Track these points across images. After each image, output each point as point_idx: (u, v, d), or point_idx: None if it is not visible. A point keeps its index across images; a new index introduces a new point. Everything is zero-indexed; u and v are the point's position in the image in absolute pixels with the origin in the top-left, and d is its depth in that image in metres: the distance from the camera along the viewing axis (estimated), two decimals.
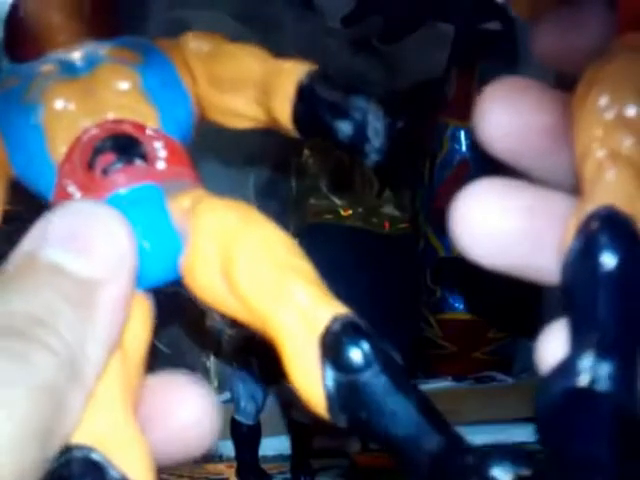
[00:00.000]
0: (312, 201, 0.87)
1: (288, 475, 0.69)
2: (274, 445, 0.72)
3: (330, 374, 0.20)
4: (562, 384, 0.18)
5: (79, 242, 0.18)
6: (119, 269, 0.19)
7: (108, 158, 0.23)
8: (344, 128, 0.25)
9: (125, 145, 0.23)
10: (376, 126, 0.25)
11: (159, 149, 0.23)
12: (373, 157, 0.25)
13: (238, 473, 0.69)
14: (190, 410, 0.21)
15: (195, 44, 0.27)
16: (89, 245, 0.18)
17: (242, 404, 0.66)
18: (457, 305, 0.84)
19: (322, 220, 0.86)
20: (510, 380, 0.80)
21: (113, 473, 0.19)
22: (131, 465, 0.20)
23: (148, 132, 0.24)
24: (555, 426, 0.18)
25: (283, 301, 0.21)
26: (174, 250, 0.22)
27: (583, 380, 0.18)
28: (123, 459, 0.19)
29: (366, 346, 0.20)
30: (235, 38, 0.27)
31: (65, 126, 0.24)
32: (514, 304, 0.71)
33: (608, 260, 0.18)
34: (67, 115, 0.24)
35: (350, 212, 0.87)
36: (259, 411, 0.67)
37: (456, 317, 0.84)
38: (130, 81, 0.25)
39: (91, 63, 0.25)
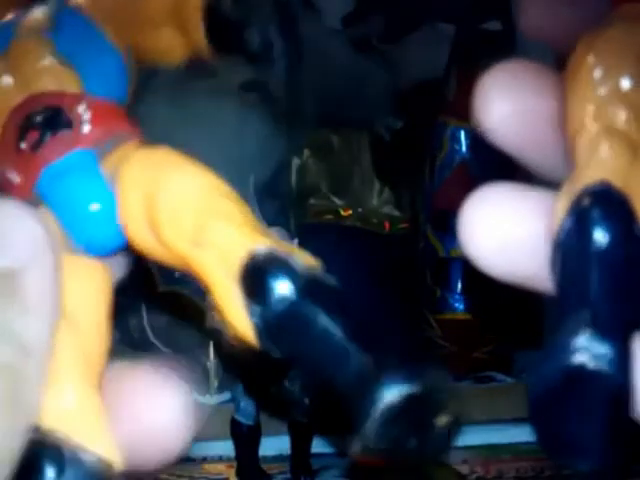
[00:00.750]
0: (312, 201, 0.87)
1: (288, 475, 0.69)
2: (274, 445, 0.72)
3: (255, 309, 0.20)
4: (557, 362, 0.18)
5: None
6: (36, 254, 0.20)
7: (34, 135, 0.23)
8: (251, 39, 0.25)
9: (48, 118, 0.23)
10: (279, 49, 0.25)
11: (83, 112, 0.23)
12: (281, 67, 0.25)
13: (238, 473, 0.69)
14: (161, 409, 0.20)
15: None
16: (2, 242, 0.19)
17: (242, 404, 0.66)
18: (457, 305, 0.84)
19: (322, 220, 0.86)
20: (510, 380, 0.80)
21: (83, 456, 0.19)
22: (95, 441, 0.19)
23: (69, 98, 0.24)
24: (548, 404, 0.18)
25: (202, 242, 0.21)
26: (114, 211, 0.22)
27: (578, 358, 0.17)
28: (87, 436, 0.19)
29: (285, 278, 0.20)
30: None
31: None
32: (515, 311, 0.71)
33: (601, 236, 0.18)
34: None
35: (350, 212, 0.87)
36: (259, 411, 0.67)
37: (456, 317, 0.84)
38: (43, 50, 0.25)
39: (5, 40, 0.25)
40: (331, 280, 0.21)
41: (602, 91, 0.19)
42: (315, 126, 0.86)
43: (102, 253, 0.22)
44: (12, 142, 0.23)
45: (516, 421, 0.72)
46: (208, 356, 0.77)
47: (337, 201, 0.87)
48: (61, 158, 0.23)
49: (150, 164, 0.22)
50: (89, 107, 0.24)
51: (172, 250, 0.21)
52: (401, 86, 0.89)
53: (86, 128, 0.23)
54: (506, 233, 0.20)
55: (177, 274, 0.88)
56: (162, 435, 0.20)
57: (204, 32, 0.26)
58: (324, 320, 0.20)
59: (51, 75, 0.24)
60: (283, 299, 0.20)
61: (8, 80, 0.24)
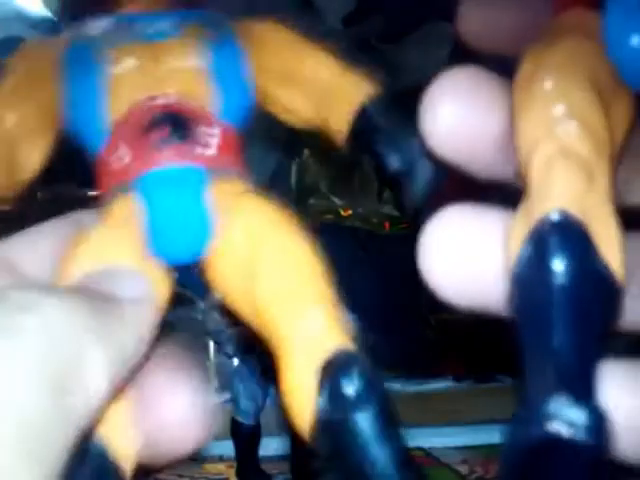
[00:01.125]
0: (312, 201, 0.87)
1: (288, 475, 0.69)
2: (274, 445, 0.72)
3: (321, 405, 0.20)
4: (531, 431, 0.17)
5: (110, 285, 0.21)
6: (143, 300, 0.21)
7: (163, 133, 0.23)
8: (393, 161, 0.26)
9: (181, 124, 0.24)
10: (421, 171, 0.26)
11: (212, 134, 0.24)
12: (413, 198, 0.26)
13: (238, 473, 0.69)
14: (179, 405, 0.21)
15: (274, 34, 0.27)
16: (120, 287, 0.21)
17: (242, 404, 0.66)
18: None
19: (322, 220, 0.86)
20: (510, 380, 0.80)
21: (95, 447, 0.19)
22: (113, 433, 0.20)
23: (205, 115, 0.24)
24: (523, 476, 0.17)
25: (296, 320, 0.21)
26: (202, 233, 0.23)
27: (554, 427, 0.16)
28: (106, 427, 0.20)
29: (361, 386, 0.20)
30: None
31: (128, 89, 0.24)
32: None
33: (560, 270, 0.17)
34: (132, 79, 0.25)
35: (350, 212, 0.87)
36: (259, 411, 0.67)
37: (456, 317, 0.84)
38: (198, 59, 0.25)
39: (165, 31, 0.25)
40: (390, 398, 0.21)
41: (554, 111, 0.18)
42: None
43: (175, 263, 0.23)
44: (139, 129, 0.24)
45: None
46: (208, 356, 0.77)
47: (337, 201, 0.87)
48: (176, 165, 0.23)
49: (264, 217, 0.23)
50: (219, 131, 0.24)
51: (260, 308, 0.22)
52: (401, 86, 0.89)
53: (210, 150, 0.24)
54: (464, 260, 0.19)
55: (177, 274, 0.88)
56: (179, 430, 0.20)
57: (347, 127, 0.26)
58: (379, 442, 0.20)
59: (195, 85, 0.25)
60: (352, 405, 0.20)
61: (150, 69, 0.25)
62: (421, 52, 0.88)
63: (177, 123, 0.24)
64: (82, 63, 0.25)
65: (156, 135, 0.23)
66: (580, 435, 0.16)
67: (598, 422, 0.16)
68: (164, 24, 0.26)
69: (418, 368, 0.82)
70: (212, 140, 0.24)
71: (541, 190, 0.17)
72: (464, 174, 0.20)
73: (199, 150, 0.24)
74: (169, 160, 0.23)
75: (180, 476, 0.72)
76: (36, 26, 0.72)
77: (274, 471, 0.70)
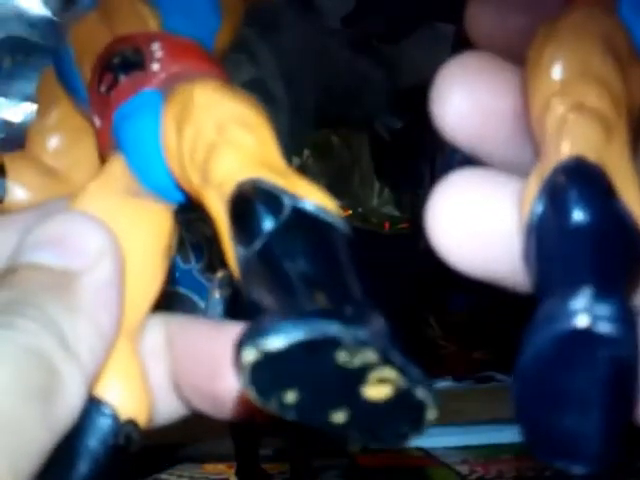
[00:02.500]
0: None
1: (288, 475, 0.69)
2: (274, 445, 0.72)
3: (238, 248, 0.18)
4: (555, 328, 0.16)
5: (54, 242, 0.20)
6: (97, 260, 0.20)
7: (109, 77, 0.23)
8: None
9: (124, 59, 0.23)
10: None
11: (155, 51, 0.23)
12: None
13: (238, 473, 0.69)
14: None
15: None
16: (64, 244, 0.19)
17: None
18: (457, 305, 0.84)
19: None
20: (510, 380, 0.80)
21: (103, 408, 0.19)
22: (118, 394, 0.19)
23: (144, 37, 0.23)
24: (542, 377, 0.16)
25: (207, 175, 0.19)
26: (160, 159, 0.21)
27: (581, 321, 0.15)
28: (109, 388, 0.19)
29: (264, 214, 0.18)
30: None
31: (88, 49, 0.24)
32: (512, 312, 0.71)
33: (581, 214, 0.16)
34: (90, 38, 0.24)
35: (350, 212, 0.87)
36: None
37: (456, 317, 0.84)
38: None
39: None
40: (329, 219, 0.20)
41: (569, 71, 0.17)
42: (315, 126, 0.86)
43: (168, 196, 0.22)
44: (94, 86, 0.23)
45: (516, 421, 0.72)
46: None
47: (337, 201, 0.87)
48: (130, 99, 0.22)
49: (187, 96, 0.21)
50: (162, 45, 0.23)
51: (192, 187, 0.20)
52: (401, 86, 0.89)
53: (156, 67, 0.22)
54: (474, 224, 0.19)
55: (177, 274, 0.88)
56: (228, 399, 0.20)
57: None
58: (291, 263, 0.18)
59: (133, 16, 0.24)
60: (260, 235, 0.18)
61: (101, 27, 0.24)
62: (421, 52, 0.88)
63: (122, 58, 0.23)
64: (59, 58, 0.25)
65: (106, 82, 0.22)
66: (610, 330, 0.15)
67: (624, 315, 0.16)
68: None
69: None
70: (159, 55, 0.22)
71: (556, 141, 0.17)
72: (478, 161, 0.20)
73: (149, 71, 0.22)
74: (123, 97, 0.22)
75: (180, 476, 0.72)
76: (36, 26, 0.72)
77: (274, 471, 0.70)
